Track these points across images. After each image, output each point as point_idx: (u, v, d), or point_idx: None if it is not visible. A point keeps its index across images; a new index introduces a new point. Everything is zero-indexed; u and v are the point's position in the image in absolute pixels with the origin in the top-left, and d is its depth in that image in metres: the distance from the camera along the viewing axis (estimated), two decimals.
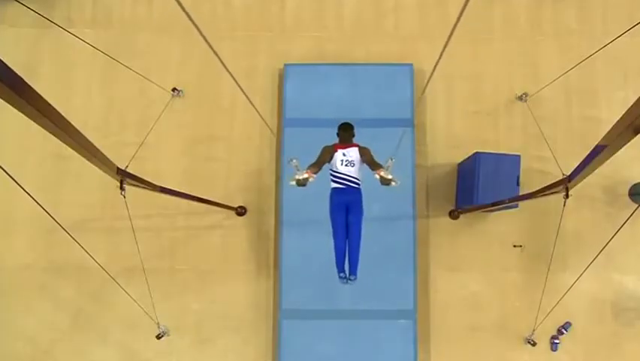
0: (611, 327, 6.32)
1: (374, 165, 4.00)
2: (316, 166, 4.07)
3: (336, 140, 4.33)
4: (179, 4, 1.56)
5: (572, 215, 6.35)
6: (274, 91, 6.80)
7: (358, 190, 4.31)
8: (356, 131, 4.29)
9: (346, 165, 4.20)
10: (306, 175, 3.79)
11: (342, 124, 4.34)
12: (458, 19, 1.67)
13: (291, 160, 3.93)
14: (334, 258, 4.48)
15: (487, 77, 6.75)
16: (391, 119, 6.41)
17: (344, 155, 4.21)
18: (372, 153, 4.18)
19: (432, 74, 2.24)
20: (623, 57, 6.69)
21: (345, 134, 4.30)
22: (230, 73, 2.29)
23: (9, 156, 6.59)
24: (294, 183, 3.78)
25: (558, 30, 6.90)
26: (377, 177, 3.77)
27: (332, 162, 4.23)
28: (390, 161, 3.94)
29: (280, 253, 6.24)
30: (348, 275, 4.57)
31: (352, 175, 4.22)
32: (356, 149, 4.22)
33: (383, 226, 6.23)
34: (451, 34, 1.78)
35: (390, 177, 3.70)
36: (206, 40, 1.85)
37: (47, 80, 6.74)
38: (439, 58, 1.97)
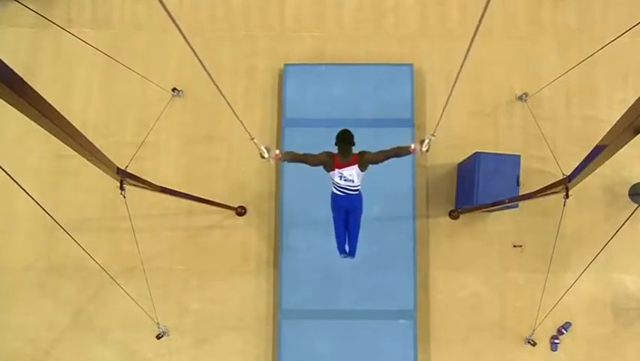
0: (611, 327, 6.32)
1: (397, 152, 3.87)
2: (295, 159, 4.00)
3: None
4: (163, 5, 1.57)
5: (572, 215, 6.35)
6: (274, 91, 6.80)
7: (358, 195, 4.34)
8: (356, 138, 3.95)
9: (345, 180, 4.14)
10: (267, 156, 3.84)
11: (341, 134, 3.93)
12: (480, 18, 1.65)
13: (253, 139, 3.84)
14: (335, 243, 4.79)
15: (487, 77, 6.75)
16: (391, 119, 6.41)
17: (341, 174, 4.09)
18: (376, 151, 3.96)
19: (458, 75, 2.24)
20: (623, 57, 6.69)
21: (344, 146, 3.94)
22: (207, 71, 2.27)
23: (9, 156, 6.59)
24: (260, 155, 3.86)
25: (558, 30, 6.90)
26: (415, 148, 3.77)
27: (330, 174, 4.14)
28: (431, 137, 3.79)
29: (280, 253, 6.25)
30: (348, 253, 4.97)
31: (351, 186, 4.20)
32: (355, 167, 4.03)
33: (383, 226, 6.23)
34: (474, 34, 1.78)
35: (426, 148, 3.75)
36: (186, 39, 1.85)
37: (47, 80, 6.74)
38: (465, 57, 1.97)
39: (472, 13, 6.87)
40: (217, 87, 2.39)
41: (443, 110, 3.11)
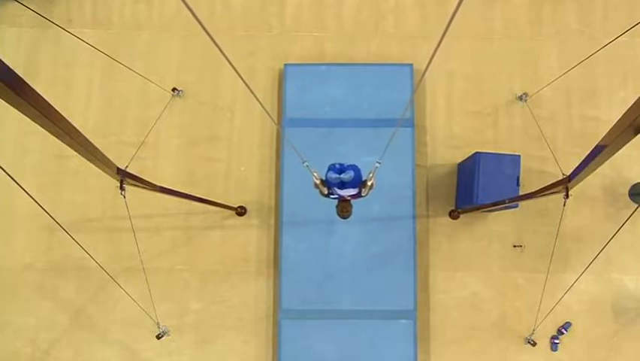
0: (611, 327, 6.32)
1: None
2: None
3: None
4: (186, 4, 1.57)
5: (572, 215, 6.35)
6: (274, 91, 6.80)
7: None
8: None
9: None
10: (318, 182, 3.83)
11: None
12: (452, 17, 1.66)
13: (304, 162, 3.70)
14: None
15: (487, 77, 6.75)
16: (391, 119, 6.40)
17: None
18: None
19: (425, 71, 2.23)
20: (623, 57, 6.69)
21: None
22: (235, 68, 2.26)
23: (9, 155, 6.60)
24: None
25: (558, 30, 6.90)
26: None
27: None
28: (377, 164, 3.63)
29: (280, 253, 6.25)
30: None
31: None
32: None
33: (383, 226, 6.24)
34: (445, 32, 1.77)
35: (370, 183, 3.72)
36: (212, 40, 1.84)
37: (47, 80, 6.74)
38: (433, 54, 1.96)
39: (472, 14, 6.87)
40: (237, 72, 2.32)
41: (407, 104, 3.08)
